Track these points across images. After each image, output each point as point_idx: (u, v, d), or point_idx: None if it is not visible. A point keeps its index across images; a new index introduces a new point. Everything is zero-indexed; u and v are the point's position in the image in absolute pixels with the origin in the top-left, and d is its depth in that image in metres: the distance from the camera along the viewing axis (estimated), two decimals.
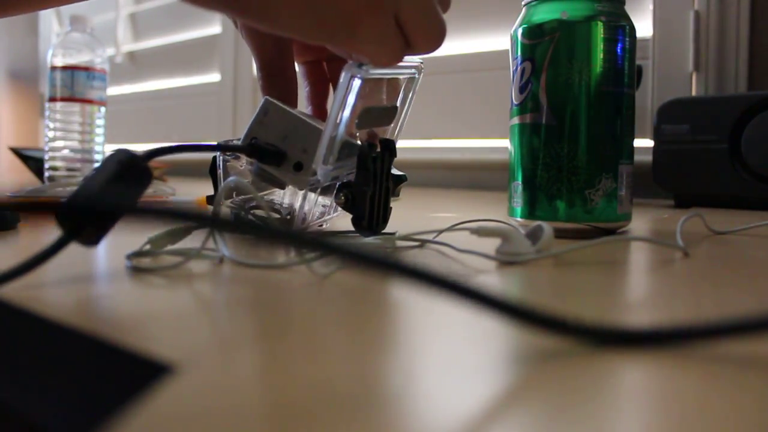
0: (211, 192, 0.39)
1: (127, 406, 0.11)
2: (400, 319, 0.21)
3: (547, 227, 0.34)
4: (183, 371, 0.15)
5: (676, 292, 0.25)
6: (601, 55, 0.41)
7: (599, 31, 0.41)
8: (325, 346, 0.18)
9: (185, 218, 0.16)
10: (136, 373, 0.12)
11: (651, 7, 0.96)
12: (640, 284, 0.27)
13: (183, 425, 0.12)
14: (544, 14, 0.42)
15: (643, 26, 0.96)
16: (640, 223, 0.52)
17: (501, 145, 1.10)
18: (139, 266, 0.30)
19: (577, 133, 0.42)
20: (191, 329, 0.19)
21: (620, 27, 0.42)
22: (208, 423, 0.12)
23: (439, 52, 0.33)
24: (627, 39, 0.42)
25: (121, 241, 0.37)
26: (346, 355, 0.17)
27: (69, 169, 0.79)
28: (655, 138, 0.77)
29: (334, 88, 0.38)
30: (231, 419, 0.12)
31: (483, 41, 1.15)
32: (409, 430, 0.12)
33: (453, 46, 1.16)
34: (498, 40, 1.13)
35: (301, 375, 0.15)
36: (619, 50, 0.42)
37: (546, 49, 0.42)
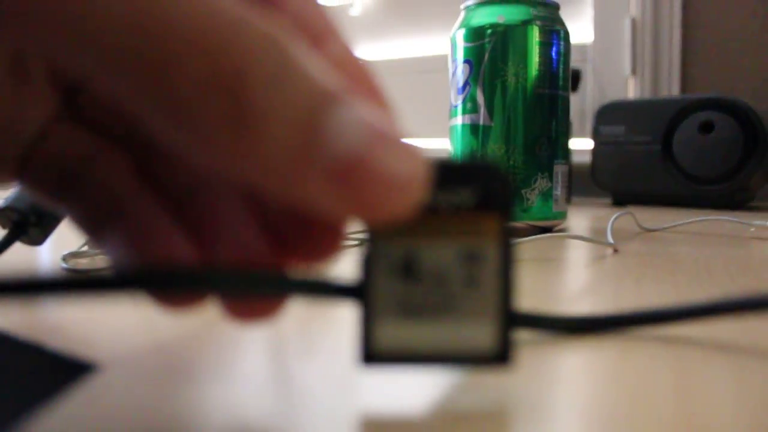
0: None
1: (44, 405, 0.11)
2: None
3: None
4: (105, 371, 0.15)
5: (603, 286, 0.26)
6: (536, 58, 0.43)
7: (534, 34, 0.43)
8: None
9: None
10: (55, 372, 0.12)
11: (592, 13, 1.00)
12: (570, 279, 0.28)
13: (97, 424, 0.12)
14: (482, 18, 0.43)
15: (584, 32, 0.99)
16: (577, 221, 0.53)
17: (443, 145, 1.11)
18: (74, 267, 0.30)
19: (513, 133, 0.43)
20: (121, 331, 0.19)
21: (555, 31, 0.43)
22: (125, 423, 0.12)
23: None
24: (561, 43, 0.44)
25: (62, 242, 0.36)
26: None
27: None
28: (594, 139, 0.80)
29: None
30: (147, 420, 0.13)
31: (426, 43, 1.16)
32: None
33: (399, 46, 1.17)
34: (439, 42, 1.15)
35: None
36: (554, 54, 0.43)
37: (483, 51, 0.43)
